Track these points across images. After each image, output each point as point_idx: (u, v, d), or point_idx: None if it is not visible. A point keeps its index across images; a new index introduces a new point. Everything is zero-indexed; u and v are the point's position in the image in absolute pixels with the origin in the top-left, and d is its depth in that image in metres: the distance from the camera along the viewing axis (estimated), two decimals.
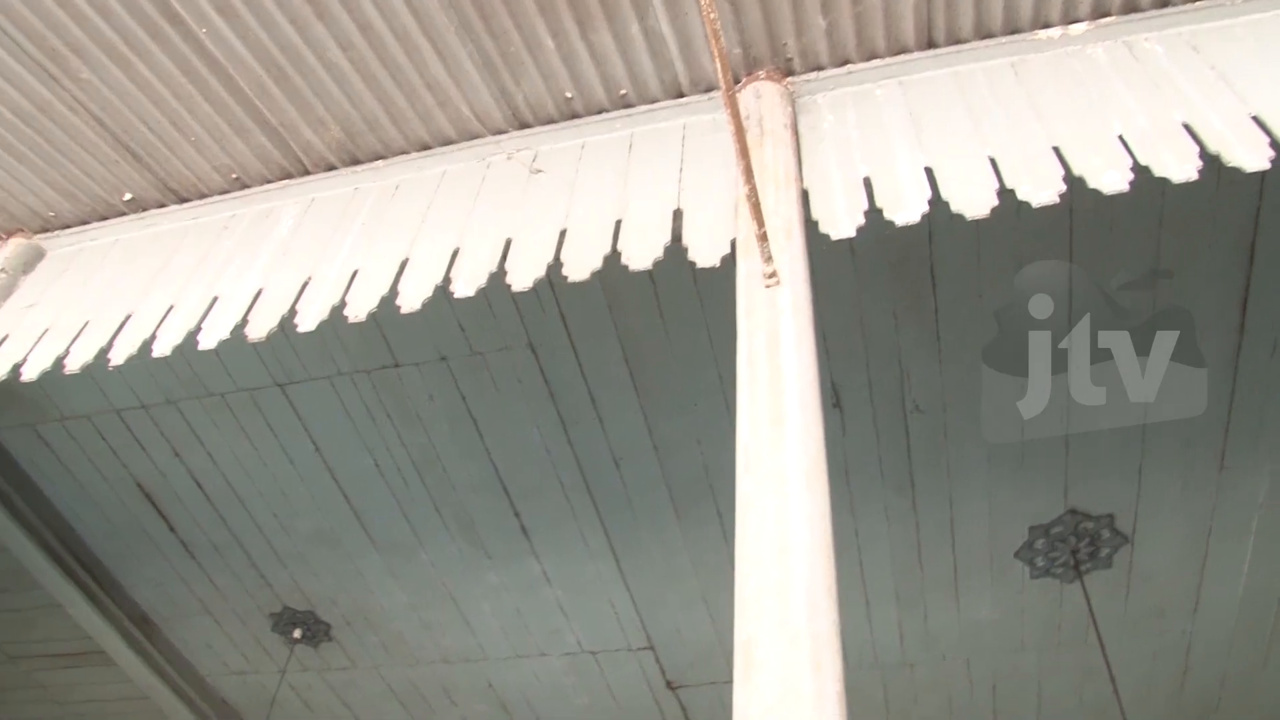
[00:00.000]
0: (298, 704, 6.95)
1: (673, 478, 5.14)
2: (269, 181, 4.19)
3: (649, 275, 4.32)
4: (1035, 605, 5.60)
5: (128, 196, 4.30)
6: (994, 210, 2.95)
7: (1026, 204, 2.93)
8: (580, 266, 3.17)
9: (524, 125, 3.87)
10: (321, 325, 3.46)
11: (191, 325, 3.65)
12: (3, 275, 4.24)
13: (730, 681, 6.09)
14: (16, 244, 4.38)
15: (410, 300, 3.31)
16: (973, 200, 3.00)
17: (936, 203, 3.04)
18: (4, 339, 3.99)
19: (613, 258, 3.19)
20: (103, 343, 3.77)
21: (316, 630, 6.33)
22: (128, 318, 3.84)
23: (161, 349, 3.63)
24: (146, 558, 6.12)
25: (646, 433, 4.96)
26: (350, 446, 5.30)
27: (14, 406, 5.41)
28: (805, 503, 2.28)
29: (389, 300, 3.36)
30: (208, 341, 3.56)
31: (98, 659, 6.66)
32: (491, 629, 6.16)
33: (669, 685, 6.28)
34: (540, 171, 3.61)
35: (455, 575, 5.86)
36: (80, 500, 5.88)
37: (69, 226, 4.46)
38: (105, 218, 4.41)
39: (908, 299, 4.44)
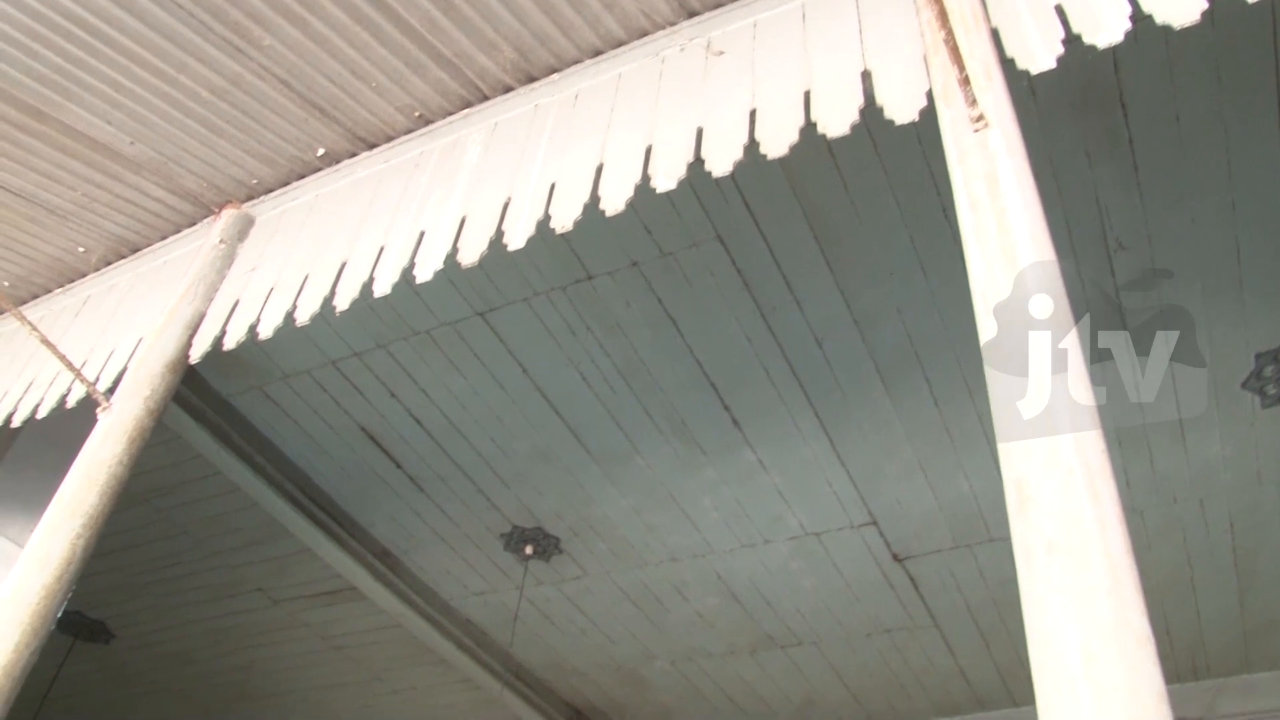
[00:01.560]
0: (538, 616, 7.29)
1: (877, 350, 5.10)
2: (450, 114, 4.29)
3: (828, 147, 4.26)
4: (1270, 436, 5.34)
5: (321, 152, 4.48)
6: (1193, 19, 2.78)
7: (1223, 10, 2.74)
8: (778, 142, 3.14)
9: (692, 14, 3.84)
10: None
11: (405, 262, 3.78)
12: (222, 245, 4.50)
13: (956, 548, 6.09)
14: (229, 215, 4.64)
15: (613, 202, 3.35)
16: (1179, 6, 2.83)
17: (1139, 18, 2.89)
18: (236, 304, 4.24)
19: (807, 129, 3.16)
20: (325, 292, 3.95)
21: (546, 545, 6.58)
22: (344, 265, 4.01)
23: (381, 288, 3.79)
24: (380, 496, 6.46)
25: (845, 308, 4.93)
26: (555, 363, 5.44)
27: (242, 372, 5.76)
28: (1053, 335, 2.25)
29: (591, 206, 3.42)
30: (424, 274, 3.68)
31: (350, 595, 7.12)
32: (714, 523, 6.28)
33: (895, 558, 6.30)
34: (721, 53, 3.59)
35: (673, 475, 5.98)
36: (313, 450, 6.24)
37: (271, 190, 4.69)
38: (303, 176, 4.62)
39: (1099, 133, 4.24)
